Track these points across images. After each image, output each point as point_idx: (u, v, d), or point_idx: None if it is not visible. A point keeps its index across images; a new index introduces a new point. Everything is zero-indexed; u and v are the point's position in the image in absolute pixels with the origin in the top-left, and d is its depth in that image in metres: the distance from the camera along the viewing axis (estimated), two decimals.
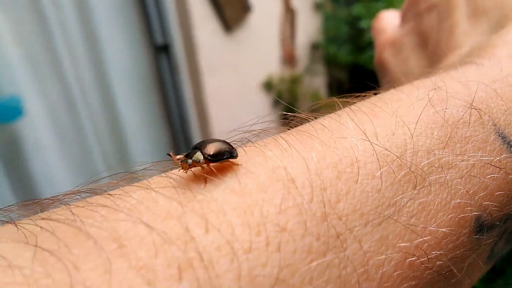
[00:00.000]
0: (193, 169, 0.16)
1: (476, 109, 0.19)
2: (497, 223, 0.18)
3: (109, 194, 0.15)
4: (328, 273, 0.14)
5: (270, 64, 1.79)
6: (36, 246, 0.13)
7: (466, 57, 0.23)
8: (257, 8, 1.61)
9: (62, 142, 1.13)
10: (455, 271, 0.17)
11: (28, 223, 0.14)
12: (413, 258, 0.15)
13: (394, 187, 0.16)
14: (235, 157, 0.16)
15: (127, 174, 0.16)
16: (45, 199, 0.15)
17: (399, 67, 0.33)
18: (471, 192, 0.17)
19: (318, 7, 2.04)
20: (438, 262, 0.16)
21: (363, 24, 1.69)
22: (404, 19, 0.35)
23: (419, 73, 0.29)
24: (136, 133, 1.34)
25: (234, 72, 1.58)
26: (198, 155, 0.17)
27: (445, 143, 0.18)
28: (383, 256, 0.15)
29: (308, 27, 1.99)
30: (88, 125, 1.19)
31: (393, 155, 0.17)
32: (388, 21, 0.37)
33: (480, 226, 0.18)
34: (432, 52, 0.30)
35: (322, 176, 0.15)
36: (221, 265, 0.13)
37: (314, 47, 2.05)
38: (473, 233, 0.17)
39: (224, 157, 0.16)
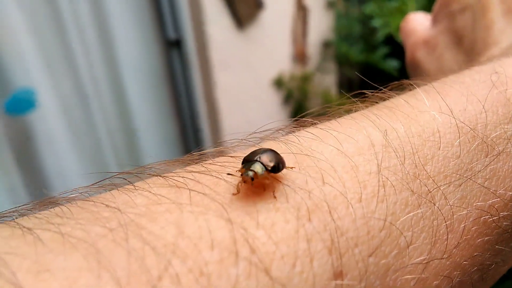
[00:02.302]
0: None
1: None
2: None
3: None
4: (422, 223, 0.16)
5: (281, 62, 1.79)
6: (189, 189, 0.15)
7: (510, 48, 0.26)
8: (270, 5, 1.60)
9: (73, 134, 1.14)
10: None
11: (172, 175, 0.16)
12: (487, 216, 0.18)
13: (470, 155, 0.18)
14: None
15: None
16: (182, 159, 0.18)
17: (434, 65, 0.35)
18: None
19: (330, 5, 2.03)
20: (505, 223, 0.19)
21: (375, 22, 1.68)
22: (435, 19, 0.36)
23: (455, 67, 0.32)
24: (147, 127, 1.35)
25: (245, 68, 1.58)
26: (259, 167, 0.16)
27: (509, 119, 0.20)
28: (465, 212, 0.17)
29: (320, 25, 1.98)
30: (99, 119, 1.20)
31: (467, 127, 0.19)
32: (418, 22, 0.39)
33: None
34: (468, 48, 0.32)
35: (410, 143, 0.18)
36: (340, 210, 0.15)
37: (326, 45, 2.04)
38: None
39: (283, 168, 0.16)
